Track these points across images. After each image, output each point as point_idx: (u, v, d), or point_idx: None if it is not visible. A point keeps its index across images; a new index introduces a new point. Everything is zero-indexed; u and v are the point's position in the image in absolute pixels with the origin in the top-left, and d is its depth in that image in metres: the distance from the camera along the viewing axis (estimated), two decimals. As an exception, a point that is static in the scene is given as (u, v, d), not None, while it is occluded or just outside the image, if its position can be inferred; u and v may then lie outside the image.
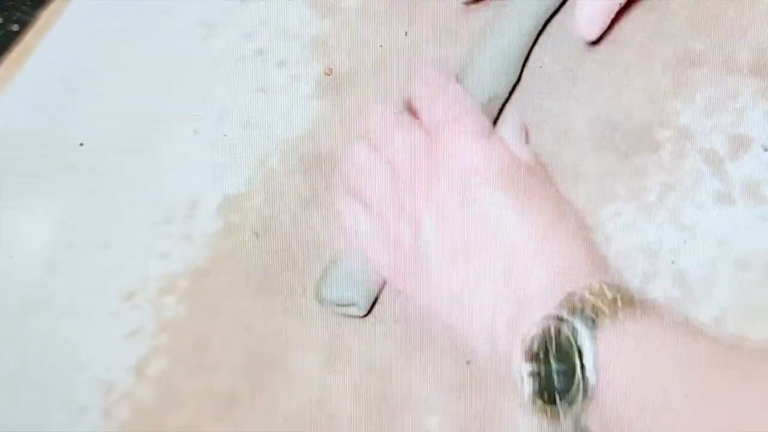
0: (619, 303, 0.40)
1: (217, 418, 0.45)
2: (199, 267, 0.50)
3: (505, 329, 0.42)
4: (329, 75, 0.55)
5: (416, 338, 0.47)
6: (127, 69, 0.57)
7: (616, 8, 0.52)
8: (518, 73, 0.52)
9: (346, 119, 0.54)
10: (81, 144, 0.53)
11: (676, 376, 0.38)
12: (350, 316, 0.47)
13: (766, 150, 0.48)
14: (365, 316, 0.47)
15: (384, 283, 0.48)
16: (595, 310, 0.40)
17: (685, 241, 0.47)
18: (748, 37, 0.52)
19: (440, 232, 0.45)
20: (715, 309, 0.45)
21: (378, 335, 0.47)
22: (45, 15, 0.59)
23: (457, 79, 0.50)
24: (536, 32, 0.53)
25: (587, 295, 0.40)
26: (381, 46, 0.55)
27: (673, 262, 0.46)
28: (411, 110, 0.49)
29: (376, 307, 0.47)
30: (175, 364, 0.47)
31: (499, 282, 0.43)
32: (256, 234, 0.50)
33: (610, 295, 0.40)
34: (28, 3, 0.59)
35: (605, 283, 0.41)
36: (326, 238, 0.50)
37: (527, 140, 0.49)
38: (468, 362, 0.45)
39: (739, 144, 0.49)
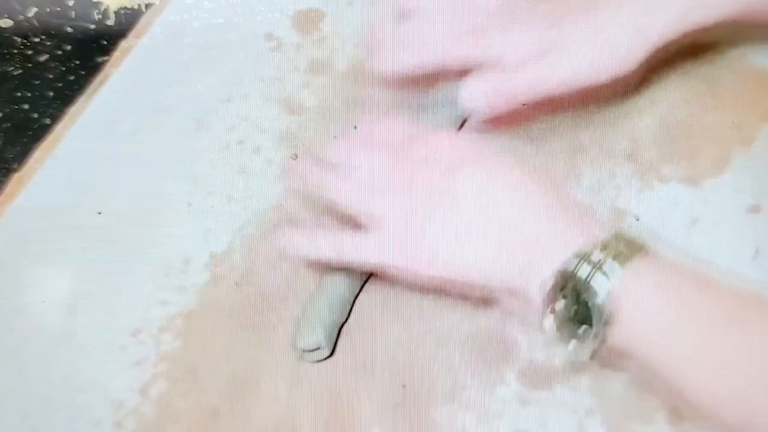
0: (634, 250, 0.40)
1: (204, 430, 0.48)
2: (191, 310, 0.53)
3: (525, 279, 0.42)
4: (295, 159, 0.58)
5: (361, 366, 0.49)
6: (136, 154, 0.60)
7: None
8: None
9: (308, 195, 0.55)
10: (99, 213, 0.57)
11: (687, 326, 0.38)
12: (318, 361, 0.50)
13: (638, 220, 0.53)
14: (329, 357, 0.49)
15: (343, 322, 0.50)
16: (612, 255, 0.39)
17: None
18: (623, 131, 0.56)
19: (444, 211, 0.44)
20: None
21: (331, 364, 0.50)
22: (71, 111, 0.63)
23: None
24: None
25: (605, 241, 0.40)
26: (335, 136, 0.59)
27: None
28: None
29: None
30: (172, 387, 0.50)
31: (514, 240, 0.43)
32: (237, 284, 0.54)
33: (623, 243, 0.40)
34: (58, 102, 0.63)
35: (617, 232, 0.41)
36: (293, 287, 0.53)
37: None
38: (403, 386, 0.48)
39: (618, 215, 0.53)
